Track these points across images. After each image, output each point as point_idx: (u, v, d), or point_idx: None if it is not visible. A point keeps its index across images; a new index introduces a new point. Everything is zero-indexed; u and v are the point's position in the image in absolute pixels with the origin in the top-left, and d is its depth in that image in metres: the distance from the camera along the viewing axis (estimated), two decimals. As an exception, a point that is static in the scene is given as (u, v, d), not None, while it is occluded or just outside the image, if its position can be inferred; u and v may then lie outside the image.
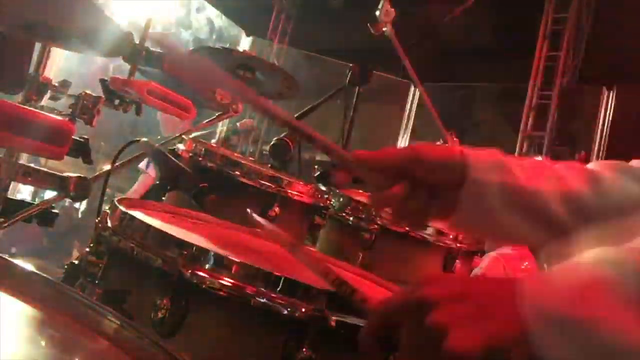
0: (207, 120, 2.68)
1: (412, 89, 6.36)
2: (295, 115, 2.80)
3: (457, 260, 1.89)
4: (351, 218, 1.90)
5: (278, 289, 0.92)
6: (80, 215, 6.00)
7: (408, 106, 6.46)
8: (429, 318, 0.66)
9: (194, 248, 0.95)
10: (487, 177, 0.91)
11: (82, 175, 1.86)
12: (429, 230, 1.86)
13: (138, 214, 1.10)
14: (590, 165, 0.98)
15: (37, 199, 2.38)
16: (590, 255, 0.66)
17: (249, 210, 1.10)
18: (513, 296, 0.65)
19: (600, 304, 0.61)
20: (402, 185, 0.90)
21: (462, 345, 0.63)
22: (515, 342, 0.63)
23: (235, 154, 2.05)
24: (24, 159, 2.08)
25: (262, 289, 0.92)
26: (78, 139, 1.85)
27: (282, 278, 0.93)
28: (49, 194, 1.90)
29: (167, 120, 4.34)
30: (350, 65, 2.68)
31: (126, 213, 1.07)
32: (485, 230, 1.02)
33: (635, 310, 0.59)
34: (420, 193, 0.92)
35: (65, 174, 1.85)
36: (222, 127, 5.92)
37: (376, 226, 1.84)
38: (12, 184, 1.87)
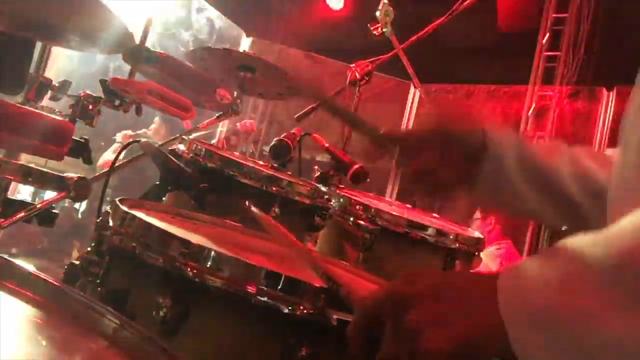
0: (207, 121, 2.68)
1: (412, 89, 6.36)
2: (296, 116, 2.81)
3: (457, 261, 1.88)
4: (351, 218, 1.90)
5: (279, 288, 0.92)
6: (80, 216, 6.00)
7: (408, 106, 6.45)
8: (406, 317, 0.65)
9: (195, 247, 0.95)
10: (506, 152, 0.93)
11: (82, 176, 1.86)
12: (429, 231, 1.86)
13: (139, 214, 1.10)
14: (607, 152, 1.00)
15: (37, 199, 2.38)
16: (567, 243, 0.64)
17: (247, 202, 1.10)
18: (491, 292, 0.63)
19: (574, 296, 0.59)
20: (432, 153, 0.92)
21: (435, 346, 0.62)
22: (492, 340, 0.62)
23: (235, 155, 2.05)
24: (23, 159, 2.08)
25: (263, 288, 0.92)
26: (78, 139, 1.85)
27: (283, 276, 0.94)
28: (49, 194, 1.90)
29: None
30: (351, 65, 2.68)
31: (127, 212, 1.07)
32: (504, 203, 1.03)
33: (607, 298, 0.57)
34: (448, 161, 0.93)
35: (65, 174, 1.85)
36: (222, 128, 5.93)
37: (376, 227, 1.84)
38: (12, 184, 1.87)
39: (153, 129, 5.96)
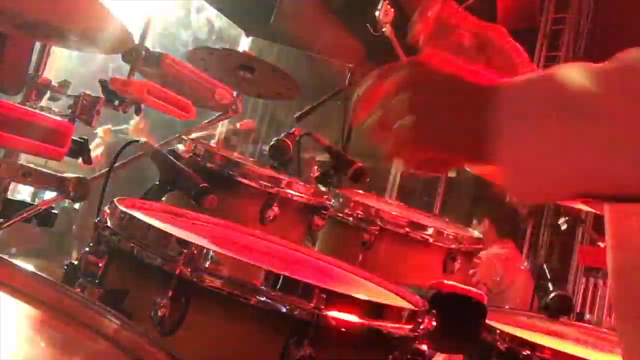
0: (207, 121, 2.68)
1: (412, 89, 6.35)
2: (296, 115, 2.81)
3: (457, 261, 1.89)
4: (351, 218, 1.90)
5: (278, 287, 0.92)
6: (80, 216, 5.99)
7: (408, 106, 6.44)
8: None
9: (194, 247, 0.95)
10: None
11: (81, 176, 1.86)
12: (429, 231, 1.86)
13: (138, 214, 1.10)
14: None
15: (37, 200, 2.38)
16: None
17: None
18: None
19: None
20: None
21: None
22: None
23: (235, 154, 2.06)
24: (23, 159, 2.08)
25: (262, 288, 0.92)
26: (77, 139, 1.85)
27: (282, 276, 0.94)
28: (49, 195, 1.90)
29: None
30: (350, 65, 2.68)
31: (126, 212, 1.07)
32: None
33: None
34: None
35: (64, 175, 1.85)
36: (221, 128, 5.93)
37: (376, 226, 1.84)
38: (12, 184, 1.87)
39: (133, 124, 5.94)
